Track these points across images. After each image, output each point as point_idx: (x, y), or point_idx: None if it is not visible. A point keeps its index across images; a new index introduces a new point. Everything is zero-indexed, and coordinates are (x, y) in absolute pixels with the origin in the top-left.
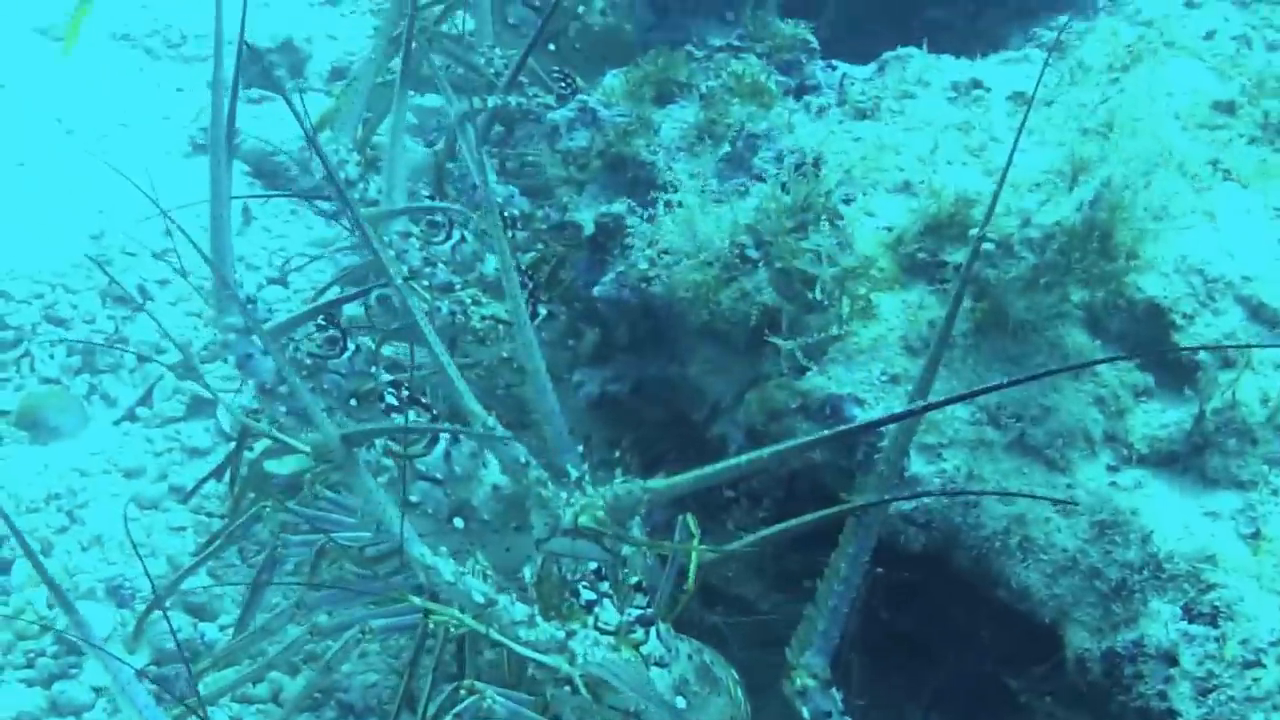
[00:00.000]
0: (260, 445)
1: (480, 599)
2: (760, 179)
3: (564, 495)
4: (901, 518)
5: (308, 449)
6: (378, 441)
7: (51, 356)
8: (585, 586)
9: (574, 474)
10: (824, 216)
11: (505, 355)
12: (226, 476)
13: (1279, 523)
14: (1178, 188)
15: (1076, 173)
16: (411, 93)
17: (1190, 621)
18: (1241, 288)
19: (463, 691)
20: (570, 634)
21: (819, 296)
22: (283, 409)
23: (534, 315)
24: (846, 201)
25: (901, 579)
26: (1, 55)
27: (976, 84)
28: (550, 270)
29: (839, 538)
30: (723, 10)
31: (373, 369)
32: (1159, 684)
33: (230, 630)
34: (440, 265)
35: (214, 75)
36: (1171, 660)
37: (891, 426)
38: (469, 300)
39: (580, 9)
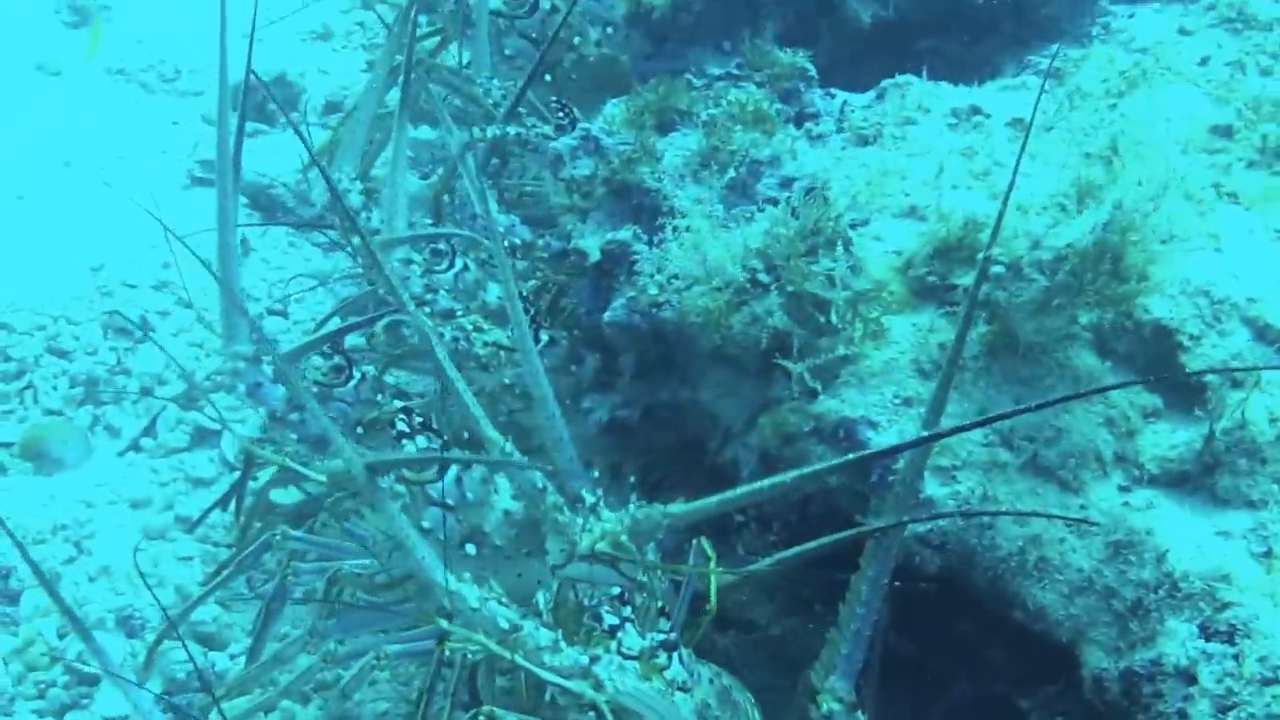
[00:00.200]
0: (265, 474)
1: (505, 624)
2: (765, 205)
3: (579, 521)
4: (917, 540)
5: (321, 477)
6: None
7: (55, 388)
8: (608, 611)
9: (589, 499)
10: (837, 241)
11: (508, 381)
12: (232, 506)
13: None
14: (1183, 210)
15: (1082, 196)
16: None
17: (1207, 640)
18: (1247, 309)
19: (481, 718)
20: (594, 659)
21: (833, 320)
22: (293, 437)
23: (536, 341)
24: (854, 226)
25: (912, 601)
26: None
27: (976, 110)
28: (551, 298)
29: (857, 561)
30: (719, 39)
31: (378, 397)
32: (1178, 702)
33: (241, 659)
34: (442, 292)
35: (219, 105)
36: (1190, 679)
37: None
38: (470, 327)
39: (576, 40)
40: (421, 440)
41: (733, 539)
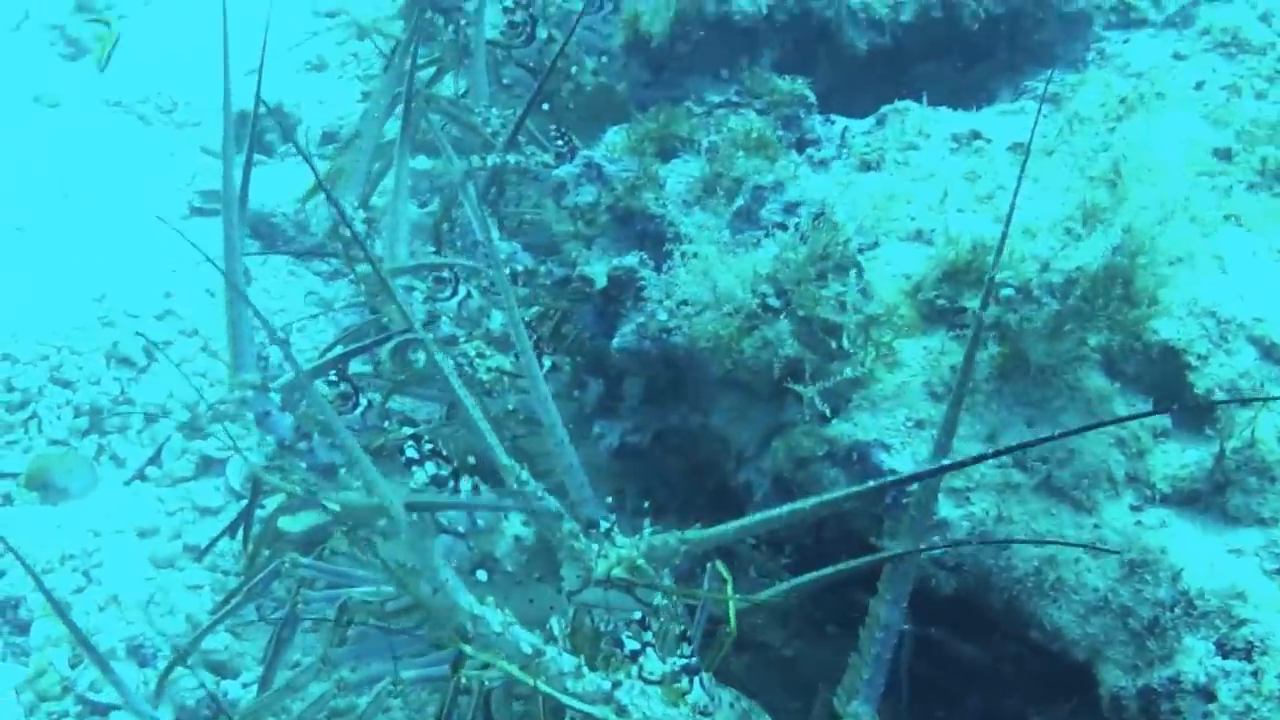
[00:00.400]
0: (272, 502)
1: (529, 649)
2: (770, 230)
3: (595, 547)
4: (933, 562)
5: (335, 506)
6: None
7: (59, 418)
8: (629, 636)
9: (604, 525)
10: (847, 265)
11: (511, 407)
12: (240, 534)
13: None
14: (1188, 232)
15: (1087, 218)
16: None
17: (1224, 657)
18: (1253, 328)
19: None
20: (616, 684)
21: (845, 345)
22: (303, 465)
23: (539, 367)
24: (861, 250)
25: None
26: None
27: (976, 135)
28: (554, 325)
29: (871, 583)
30: (717, 68)
31: (385, 423)
32: (1198, 719)
33: (253, 688)
34: (444, 319)
35: (224, 135)
36: (1209, 696)
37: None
38: (474, 353)
39: (573, 69)
40: (430, 466)
41: (744, 562)
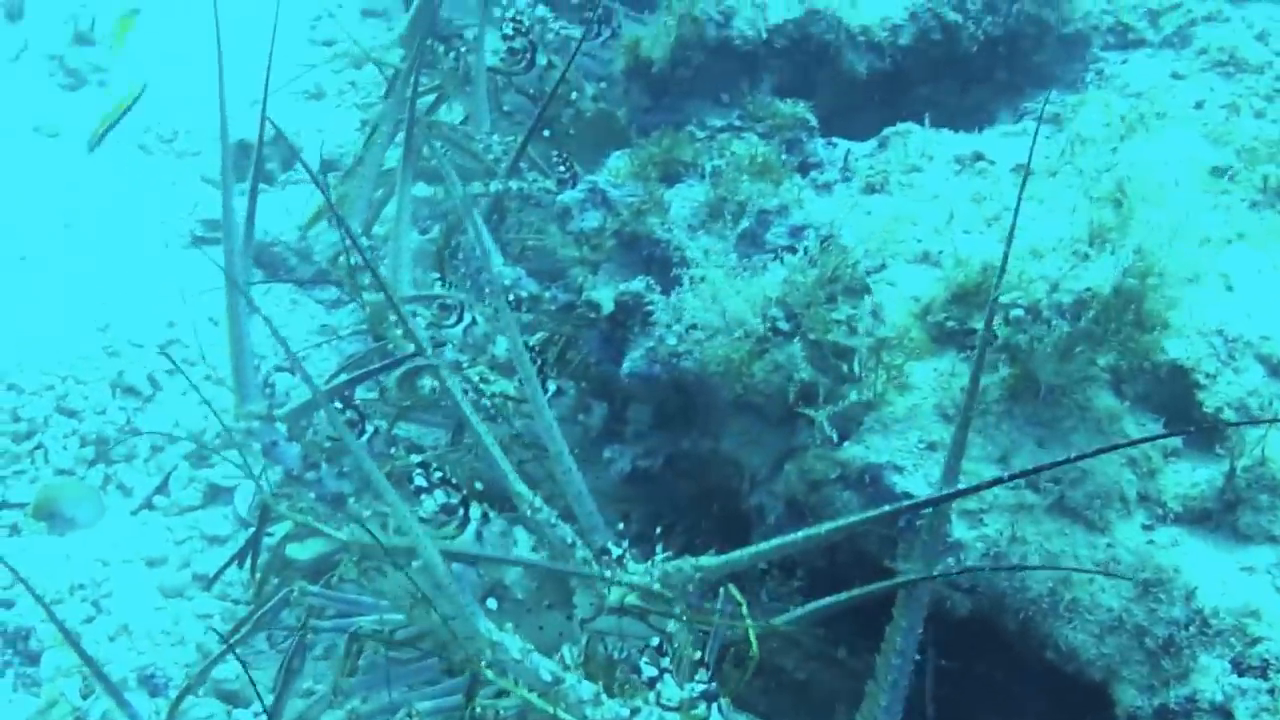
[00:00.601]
0: (279, 529)
1: (548, 677)
2: (778, 253)
3: (608, 574)
4: (947, 584)
5: (341, 535)
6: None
7: (65, 447)
8: (646, 662)
9: (616, 552)
10: (857, 288)
11: (515, 432)
12: (248, 562)
13: None
14: (1194, 251)
15: (1094, 239)
16: None
17: (1240, 675)
18: (1260, 346)
19: None
20: (635, 711)
21: (856, 368)
22: (311, 495)
23: (544, 392)
24: (869, 273)
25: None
26: None
27: (979, 156)
28: (559, 350)
29: (883, 604)
30: (718, 92)
31: (391, 450)
32: None
33: (264, 718)
34: (448, 346)
35: (222, 163)
36: (1226, 714)
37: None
38: (477, 379)
39: (573, 95)
40: (440, 495)
41: (755, 585)
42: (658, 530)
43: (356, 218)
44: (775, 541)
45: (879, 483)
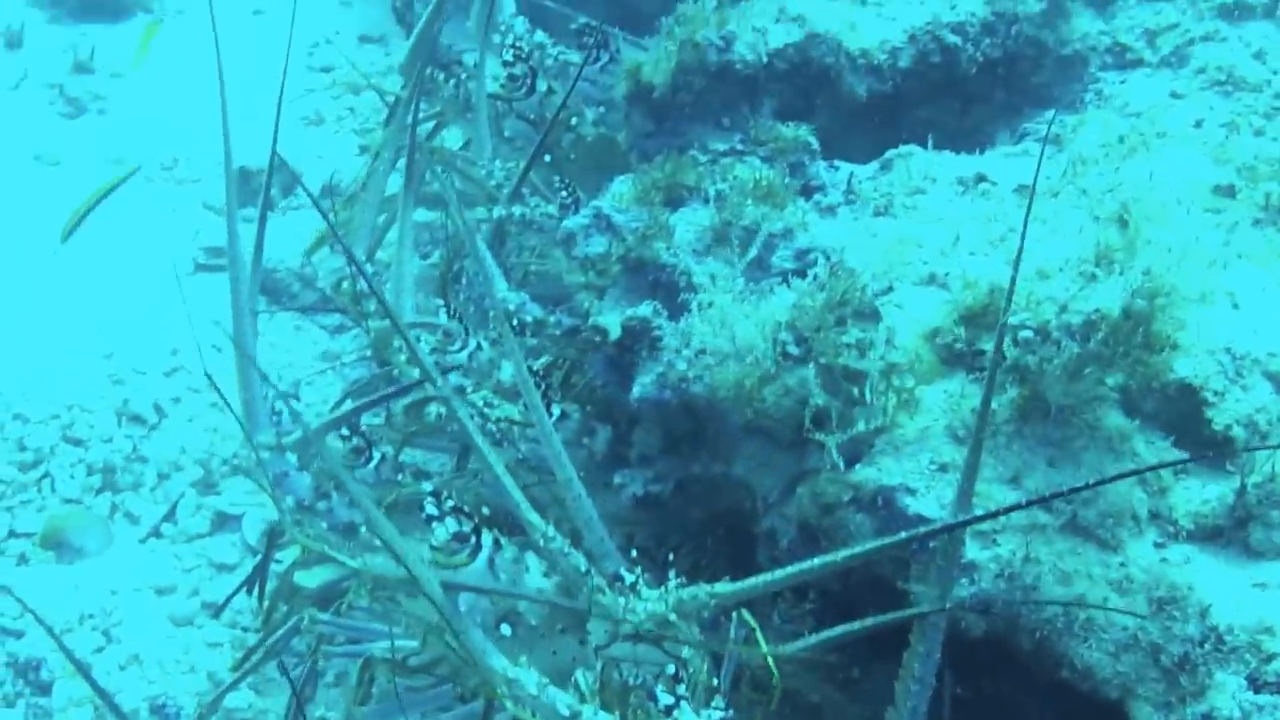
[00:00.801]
0: (287, 556)
1: (566, 711)
2: (783, 276)
3: (622, 601)
4: (961, 605)
5: (355, 563)
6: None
7: (72, 476)
8: (663, 690)
9: (629, 578)
10: (866, 311)
11: (521, 457)
12: (256, 590)
13: None
14: (1200, 270)
15: (1100, 259)
16: None
17: (1257, 692)
18: (1268, 364)
19: None
20: None
21: (867, 392)
22: (323, 524)
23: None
24: (877, 295)
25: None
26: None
27: (982, 178)
28: (564, 374)
29: (903, 633)
30: (719, 116)
31: (399, 477)
32: None
33: None
34: (454, 372)
35: (226, 190)
36: None
37: (945, 510)
38: (482, 404)
39: (574, 121)
40: (451, 523)
41: (767, 608)
42: (669, 555)
43: (360, 244)
44: (790, 569)
45: (892, 505)
